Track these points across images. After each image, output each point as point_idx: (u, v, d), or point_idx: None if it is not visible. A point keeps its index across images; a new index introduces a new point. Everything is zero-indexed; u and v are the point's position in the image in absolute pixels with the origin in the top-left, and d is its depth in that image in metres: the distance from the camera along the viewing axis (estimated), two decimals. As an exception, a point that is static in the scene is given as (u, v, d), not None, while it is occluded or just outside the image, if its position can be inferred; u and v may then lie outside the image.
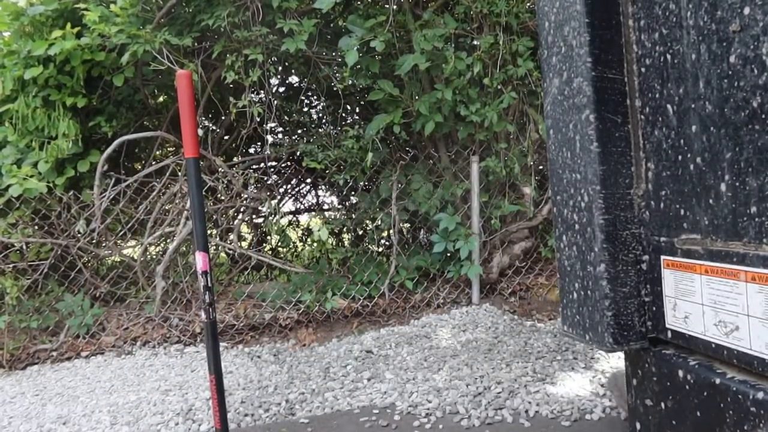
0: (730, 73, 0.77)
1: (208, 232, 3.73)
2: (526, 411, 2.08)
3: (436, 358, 2.69)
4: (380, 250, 4.25)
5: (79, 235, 3.40)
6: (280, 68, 3.99)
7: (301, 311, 3.44)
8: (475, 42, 3.63)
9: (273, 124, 4.12)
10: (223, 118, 4.24)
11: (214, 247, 3.82)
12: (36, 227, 3.44)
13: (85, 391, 2.57)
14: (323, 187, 4.79)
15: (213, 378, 1.67)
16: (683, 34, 0.84)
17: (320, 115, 4.60)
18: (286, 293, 3.53)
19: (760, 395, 0.74)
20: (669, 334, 0.91)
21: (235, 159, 4.29)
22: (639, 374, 1.00)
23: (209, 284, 1.67)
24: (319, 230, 3.79)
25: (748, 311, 0.77)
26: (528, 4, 3.69)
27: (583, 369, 2.49)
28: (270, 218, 4.09)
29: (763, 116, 0.72)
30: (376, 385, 2.41)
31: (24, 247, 3.37)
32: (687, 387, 0.87)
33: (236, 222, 3.97)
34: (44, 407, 2.43)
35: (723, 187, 0.80)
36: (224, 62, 3.42)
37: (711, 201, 0.82)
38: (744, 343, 0.78)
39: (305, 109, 4.56)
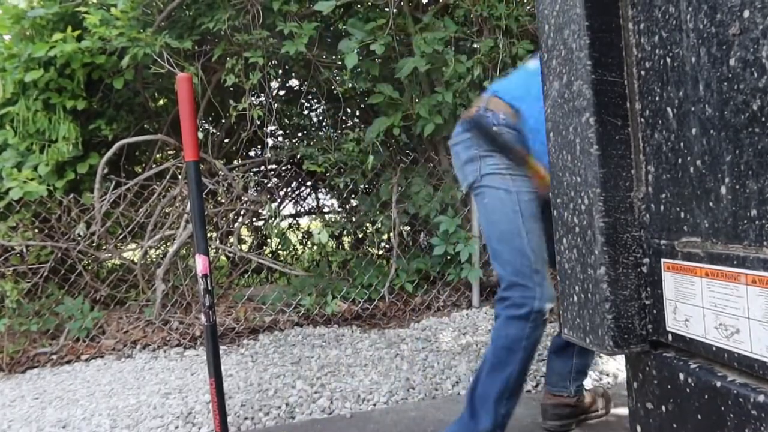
0: (729, 76, 0.77)
1: (208, 235, 3.73)
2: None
3: (437, 361, 2.69)
4: (380, 253, 4.25)
5: (79, 238, 3.39)
6: (280, 71, 4.00)
7: (301, 314, 3.44)
8: (475, 45, 3.63)
9: (273, 127, 4.12)
10: (223, 121, 4.25)
11: (214, 250, 3.82)
12: (36, 230, 3.44)
13: (84, 395, 2.56)
14: (323, 190, 4.79)
15: (213, 381, 1.67)
16: (683, 37, 0.84)
17: (320, 118, 4.60)
18: (286, 296, 3.53)
19: (761, 398, 0.74)
20: (669, 337, 0.91)
21: (235, 162, 4.29)
22: (640, 377, 0.99)
23: (209, 287, 1.67)
24: (319, 233, 3.79)
25: (749, 314, 0.77)
26: (528, 7, 3.70)
27: (584, 372, 2.49)
28: (270, 221, 4.09)
29: (763, 119, 0.72)
30: (379, 389, 2.41)
31: (24, 250, 3.36)
32: (688, 390, 0.87)
33: (236, 225, 3.97)
34: (44, 411, 2.42)
35: (723, 190, 0.79)
36: (224, 65, 3.43)
37: (711, 204, 0.82)
38: (744, 346, 0.78)
39: (305, 112, 4.57)
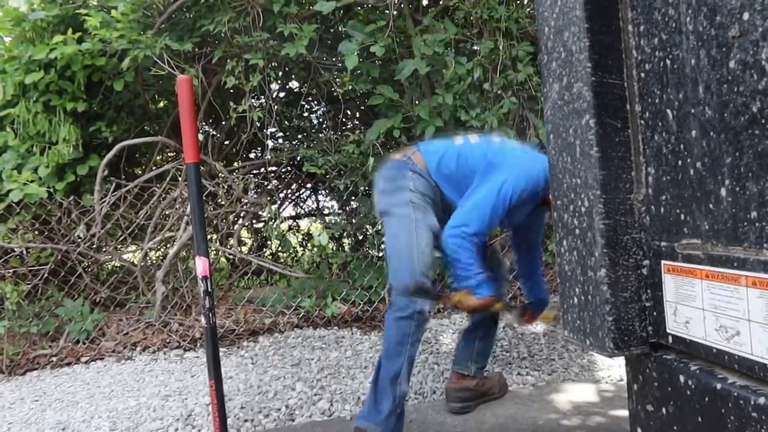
0: (729, 78, 0.77)
1: (209, 237, 3.73)
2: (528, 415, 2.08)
3: (437, 362, 2.69)
4: (380, 254, 4.24)
5: (79, 240, 3.39)
6: (280, 73, 4.00)
7: (301, 316, 3.43)
8: (475, 47, 3.63)
9: (273, 129, 4.12)
10: (223, 123, 4.25)
11: (215, 252, 3.82)
12: (36, 232, 3.44)
13: (84, 397, 2.56)
14: (323, 191, 4.79)
15: (213, 383, 1.67)
16: (682, 39, 0.84)
17: (320, 120, 4.60)
18: (286, 298, 3.53)
19: (762, 400, 0.74)
20: (670, 339, 0.91)
21: (235, 164, 4.29)
22: (640, 379, 0.99)
23: (209, 289, 1.67)
24: (319, 235, 3.78)
25: (749, 316, 0.77)
26: (528, 9, 3.70)
27: (583, 375, 2.48)
28: (270, 223, 4.09)
29: (763, 121, 0.72)
30: (377, 391, 2.40)
31: (24, 252, 3.36)
32: (688, 392, 0.87)
33: (236, 227, 3.97)
34: (44, 413, 2.42)
35: (723, 191, 0.79)
36: (224, 67, 3.43)
37: (711, 206, 0.82)
38: (745, 348, 0.78)
39: (305, 114, 4.57)
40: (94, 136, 3.66)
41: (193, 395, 2.47)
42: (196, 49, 3.50)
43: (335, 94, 3.72)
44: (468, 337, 2.26)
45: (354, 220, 4.24)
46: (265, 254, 4.42)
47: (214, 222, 3.87)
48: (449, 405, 2.19)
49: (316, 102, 4.47)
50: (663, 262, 0.91)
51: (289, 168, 4.29)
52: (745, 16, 0.72)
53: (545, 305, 2.32)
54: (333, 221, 4.55)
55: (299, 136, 4.55)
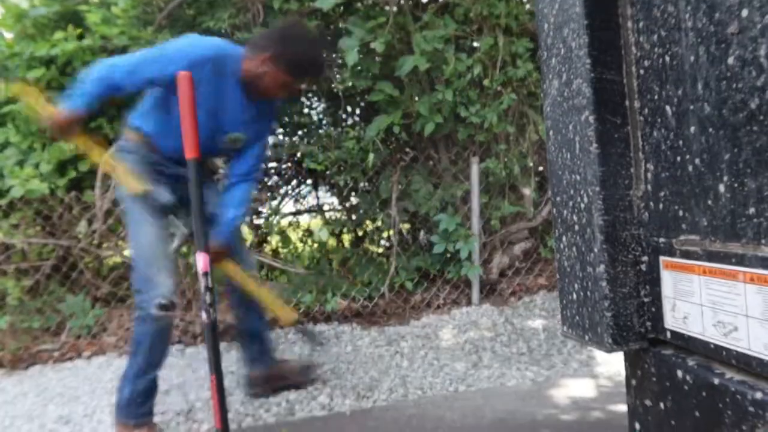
0: (728, 74, 0.77)
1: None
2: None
3: (436, 358, 2.70)
4: (380, 250, 4.25)
5: (80, 235, 3.40)
6: (280, 69, 4.00)
7: (301, 312, 3.44)
8: (474, 43, 3.63)
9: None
10: (223, 119, 4.24)
11: (215, 248, 3.81)
12: (38, 228, 3.44)
13: (86, 392, 2.57)
14: (324, 188, 4.79)
15: (214, 378, 1.67)
16: (682, 36, 0.84)
17: (321, 116, 4.60)
18: (286, 294, 3.54)
19: (759, 395, 0.74)
20: (668, 334, 0.92)
21: (235, 160, 4.27)
22: (638, 375, 1.00)
23: (210, 285, 1.67)
24: (319, 231, 3.79)
25: (747, 312, 0.77)
26: (527, 5, 3.69)
27: (582, 370, 2.49)
28: (270, 219, 4.09)
29: (761, 118, 0.72)
30: (378, 386, 2.41)
31: (26, 247, 3.37)
32: (686, 387, 0.88)
33: (237, 223, 3.97)
34: (46, 407, 2.43)
35: (721, 188, 0.80)
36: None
37: (710, 202, 0.82)
38: (743, 343, 0.79)
39: (306, 111, 4.56)
40: (96, 132, 3.66)
41: (194, 390, 2.48)
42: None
43: (335, 90, 3.72)
44: (242, 342, 2.41)
45: (354, 216, 4.25)
46: (266, 250, 4.43)
47: (215, 218, 3.86)
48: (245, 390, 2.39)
49: (316, 98, 4.46)
50: (661, 258, 0.91)
51: (289, 164, 4.29)
52: (744, 12, 0.72)
53: (226, 245, 2.25)
54: (333, 217, 4.55)
55: (299, 133, 4.54)
